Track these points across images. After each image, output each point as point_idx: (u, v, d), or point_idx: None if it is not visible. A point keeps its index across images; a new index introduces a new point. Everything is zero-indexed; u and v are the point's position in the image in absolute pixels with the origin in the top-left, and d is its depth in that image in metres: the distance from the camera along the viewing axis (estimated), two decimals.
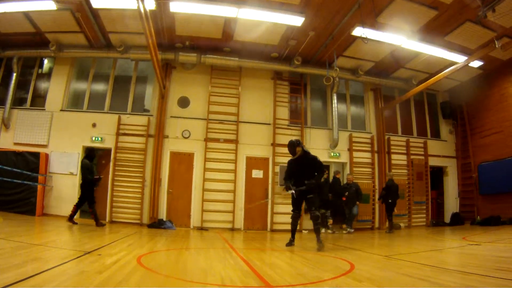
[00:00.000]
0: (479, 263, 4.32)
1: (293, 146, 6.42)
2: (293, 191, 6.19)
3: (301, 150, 6.36)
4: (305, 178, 6.08)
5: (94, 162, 9.23)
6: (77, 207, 8.51)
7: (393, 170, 11.85)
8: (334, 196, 10.44)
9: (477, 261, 4.57)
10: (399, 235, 9.36)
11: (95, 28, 9.86)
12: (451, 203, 12.72)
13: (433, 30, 9.23)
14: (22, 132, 10.82)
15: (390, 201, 10.36)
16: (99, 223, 8.52)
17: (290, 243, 6.30)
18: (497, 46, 8.73)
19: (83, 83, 11.74)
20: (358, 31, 8.94)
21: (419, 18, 8.78)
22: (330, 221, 10.34)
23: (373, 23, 8.81)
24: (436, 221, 12.12)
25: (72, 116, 11.01)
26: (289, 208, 10.63)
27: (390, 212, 10.37)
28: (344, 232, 10.17)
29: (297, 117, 11.76)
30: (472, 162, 12.39)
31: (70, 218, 8.36)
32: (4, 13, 9.05)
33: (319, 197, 10.37)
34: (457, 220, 11.97)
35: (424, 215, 12.17)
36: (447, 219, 12.38)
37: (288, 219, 10.30)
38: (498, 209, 11.01)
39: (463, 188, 12.73)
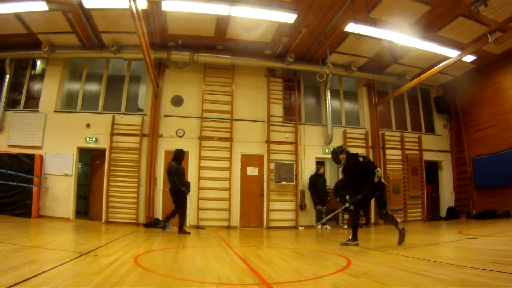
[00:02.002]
0: (475, 257, 4.35)
1: (335, 154, 6.08)
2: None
3: (345, 156, 6.01)
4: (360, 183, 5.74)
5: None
6: (173, 214, 8.19)
7: (388, 165, 11.90)
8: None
9: (473, 254, 4.60)
10: (395, 230, 9.32)
11: (87, 28, 9.82)
12: (447, 197, 12.76)
13: (426, 25, 9.24)
14: (16, 134, 10.76)
15: (347, 197, 10.20)
16: (182, 230, 7.99)
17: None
18: (490, 40, 8.76)
19: (76, 83, 11.70)
20: (351, 27, 8.96)
21: (411, 13, 8.78)
22: (346, 216, 10.19)
23: (365, 19, 8.78)
24: (432, 215, 12.19)
25: (66, 117, 10.97)
26: (284, 205, 10.89)
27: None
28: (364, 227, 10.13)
29: (291, 114, 11.76)
30: (466, 156, 12.43)
31: (178, 228, 7.91)
32: None
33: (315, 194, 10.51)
34: (453, 214, 12.02)
35: (420, 210, 12.21)
36: (443, 213, 12.44)
37: (283, 216, 10.53)
38: (494, 203, 11.06)
39: (458, 182, 12.78)
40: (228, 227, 10.47)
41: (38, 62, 11.93)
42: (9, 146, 10.65)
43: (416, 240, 6.65)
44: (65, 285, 2.75)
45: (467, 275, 3.18)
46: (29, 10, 8.93)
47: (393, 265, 3.85)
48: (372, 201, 6.64)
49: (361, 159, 5.85)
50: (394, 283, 2.98)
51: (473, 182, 12.10)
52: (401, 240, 5.54)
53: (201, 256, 4.77)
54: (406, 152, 12.29)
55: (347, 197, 10.13)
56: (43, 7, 8.68)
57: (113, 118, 10.81)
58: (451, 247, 5.68)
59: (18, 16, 9.30)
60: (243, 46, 10.65)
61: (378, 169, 5.61)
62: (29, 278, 2.80)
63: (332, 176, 12.34)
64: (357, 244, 5.79)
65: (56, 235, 6.57)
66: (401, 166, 12.19)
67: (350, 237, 5.95)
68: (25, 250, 4.36)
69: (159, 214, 10.38)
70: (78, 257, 4.06)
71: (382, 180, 5.69)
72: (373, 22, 8.97)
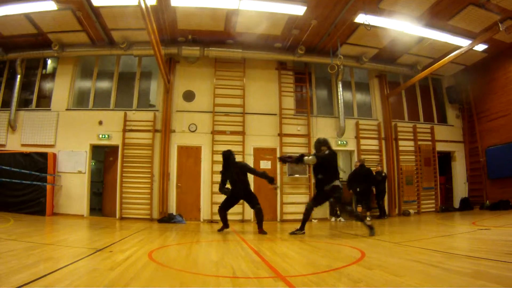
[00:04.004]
0: (490, 248, 4.31)
1: (319, 143, 6.55)
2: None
3: (326, 149, 6.40)
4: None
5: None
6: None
7: (401, 157, 11.84)
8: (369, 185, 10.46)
9: (487, 246, 4.55)
10: (408, 222, 9.35)
11: (96, 26, 9.85)
12: (460, 188, 12.66)
13: (437, 15, 9.16)
14: (28, 133, 10.87)
15: (358, 189, 10.28)
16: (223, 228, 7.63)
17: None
18: (501, 29, 8.74)
19: (87, 81, 11.76)
20: (361, 18, 8.96)
21: (422, 3, 8.70)
22: (359, 208, 10.23)
23: (375, 9, 8.78)
24: (445, 206, 12.07)
25: (78, 115, 11.04)
26: (297, 198, 10.85)
27: (368, 199, 10.41)
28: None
29: (303, 106, 11.72)
30: (479, 147, 12.33)
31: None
32: (5, 15, 9.09)
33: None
34: (466, 205, 11.95)
35: (433, 201, 12.12)
36: (456, 204, 12.34)
37: (296, 209, 10.49)
38: (507, 193, 10.96)
39: (471, 172, 12.67)
40: (242, 221, 10.46)
41: (49, 61, 12.03)
42: (22, 145, 10.76)
43: (429, 232, 6.63)
44: (80, 281, 2.75)
45: (481, 267, 3.14)
46: (38, 10, 9.01)
47: (408, 257, 3.83)
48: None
49: (334, 164, 6.40)
50: (408, 274, 2.96)
51: (486, 172, 11.98)
52: (371, 233, 6.01)
53: (215, 250, 4.77)
54: (419, 143, 12.19)
55: (358, 189, 10.27)
56: (52, 6, 8.77)
57: (125, 115, 10.84)
58: (465, 239, 5.63)
59: (27, 17, 9.37)
60: (253, 40, 10.61)
61: (311, 157, 6.24)
62: (44, 275, 2.81)
63: (345, 168, 12.26)
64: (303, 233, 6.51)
65: (71, 232, 6.59)
66: (414, 157, 12.10)
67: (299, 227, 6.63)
68: (40, 247, 4.38)
69: (173, 209, 10.40)
70: (93, 253, 4.07)
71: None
72: (383, 13, 8.96)
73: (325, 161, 6.23)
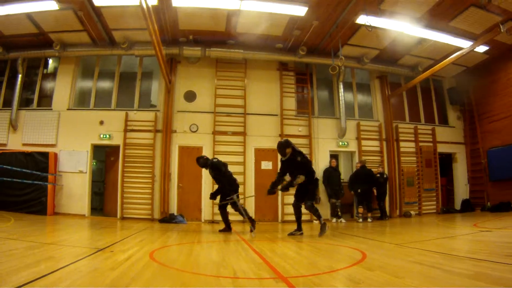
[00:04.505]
0: (491, 250, 4.32)
1: (282, 147, 6.38)
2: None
3: (291, 151, 6.34)
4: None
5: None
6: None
7: (402, 158, 11.82)
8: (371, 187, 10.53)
9: (489, 247, 4.56)
10: (409, 223, 9.35)
11: (98, 26, 9.86)
12: (461, 190, 12.64)
13: (438, 16, 9.15)
14: (30, 132, 10.87)
15: (359, 190, 10.34)
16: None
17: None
18: (502, 30, 8.73)
19: (88, 81, 11.77)
20: (362, 19, 8.95)
21: (423, 4, 8.70)
22: (361, 209, 10.36)
23: (376, 11, 8.77)
24: (447, 208, 12.06)
25: (79, 115, 11.05)
26: None
27: (369, 200, 10.47)
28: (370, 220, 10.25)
29: (304, 107, 11.72)
30: (481, 148, 12.30)
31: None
32: (7, 15, 9.10)
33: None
34: (468, 207, 11.94)
35: (434, 202, 12.10)
36: (458, 205, 12.32)
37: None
38: (509, 195, 10.92)
39: (473, 174, 12.65)
40: (243, 222, 10.40)
41: (50, 61, 12.02)
42: (24, 144, 10.76)
43: (430, 233, 6.62)
44: (82, 281, 2.76)
45: (483, 269, 3.14)
46: (39, 10, 9.02)
47: (409, 258, 3.82)
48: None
49: (299, 158, 6.26)
50: (409, 276, 2.96)
51: (488, 174, 11.96)
52: (322, 231, 6.26)
53: (216, 251, 4.77)
54: (420, 144, 12.18)
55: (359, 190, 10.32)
56: (54, 6, 8.77)
57: (126, 115, 10.85)
58: (466, 240, 5.62)
59: (29, 16, 9.38)
60: (254, 40, 10.60)
61: (301, 176, 6.20)
62: (45, 275, 2.81)
63: (347, 169, 12.26)
64: (301, 234, 6.54)
65: (72, 232, 6.60)
66: (415, 158, 12.09)
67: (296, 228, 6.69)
68: (41, 247, 4.38)
69: (174, 209, 10.40)
70: (94, 253, 4.08)
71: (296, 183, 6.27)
72: (384, 14, 8.96)
73: (307, 167, 6.37)
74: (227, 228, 7.59)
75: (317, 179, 6.64)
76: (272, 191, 6.46)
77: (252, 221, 7.23)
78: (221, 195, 7.53)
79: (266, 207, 10.78)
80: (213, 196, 7.67)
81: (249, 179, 10.79)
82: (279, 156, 6.34)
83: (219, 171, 7.43)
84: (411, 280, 2.81)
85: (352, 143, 11.71)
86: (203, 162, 7.69)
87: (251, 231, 6.93)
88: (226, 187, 7.37)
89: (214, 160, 7.75)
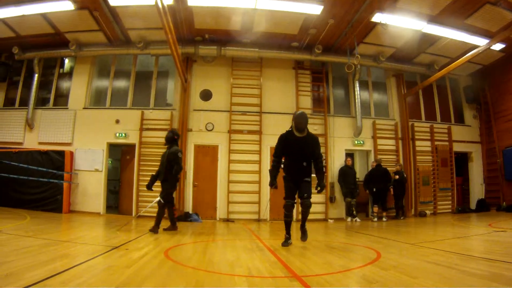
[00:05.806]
0: (506, 250, 4.30)
1: (307, 120, 5.54)
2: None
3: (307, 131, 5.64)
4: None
5: None
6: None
7: (418, 157, 11.73)
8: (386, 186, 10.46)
9: (504, 248, 4.55)
10: (425, 223, 9.29)
11: (113, 26, 9.92)
12: (477, 189, 12.52)
13: (453, 13, 9.05)
14: (46, 131, 10.97)
15: (374, 189, 10.32)
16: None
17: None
18: None
19: (104, 80, 11.82)
20: (378, 17, 8.94)
21: (438, 1, 8.62)
22: (376, 208, 10.32)
23: (392, 9, 8.75)
24: (462, 207, 11.94)
25: (95, 114, 11.12)
26: (313, 198, 10.49)
27: (384, 200, 10.42)
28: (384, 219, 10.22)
29: (320, 105, 11.69)
30: (496, 147, 12.16)
31: None
32: (23, 16, 9.17)
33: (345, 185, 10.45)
34: (483, 207, 11.83)
35: (450, 202, 11.99)
36: (473, 205, 12.21)
37: (313, 209, 10.24)
38: None
39: (488, 173, 12.51)
40: (258, 220, 10.43)
41: (66, 61, 12.12)
42: (40, 143, 10.86)
43: (445, 233, 6.61)
44: (96, 278, 2.78)
45: (497, 269, 3.14)
46: (55, 10, 9.07)
47: (423, 258, 3.82)
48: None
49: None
50: (424, 276, 2.96)
51: (504, 173, 11.81)
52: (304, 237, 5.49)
53: (231, 249, 4.78)
54: (436, 143, 12.06)
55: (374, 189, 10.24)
56: (69, 6, 8.81)
57: (142, 114, 10.88)
58: (481, 240, 5.60)
59: (45, 17, 9.46)
60: (270, 39, 10.61)
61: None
62: (60, 272, 2.84)
63: (362, 168, 12.20)
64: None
65: (87, 230, 6.66)
66: (430, 157, 11.98)
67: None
68: (56, 244, 4.43)
69: (189, 207, 10.41)
70: (109, 251, 4.12)
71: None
72: (400, 12, 8.91)
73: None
74: (172, 226, 7.20)
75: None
76: (274, 184, 5.59)
77: (173, 225, 7.02)
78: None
79: (281, 206, 10.56)
80: (149, 186, 7.04)
81: (265, 178, 10.72)
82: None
83: (176, 162, 6.80)
84: (425, 280, 2.81)
85: (368, 142, 11.63)
86: (170, 137, 7.07)
87: (153, 230, 6.50)
88: (168, 184, 6.85)
89: (179, 150, 7.02)
